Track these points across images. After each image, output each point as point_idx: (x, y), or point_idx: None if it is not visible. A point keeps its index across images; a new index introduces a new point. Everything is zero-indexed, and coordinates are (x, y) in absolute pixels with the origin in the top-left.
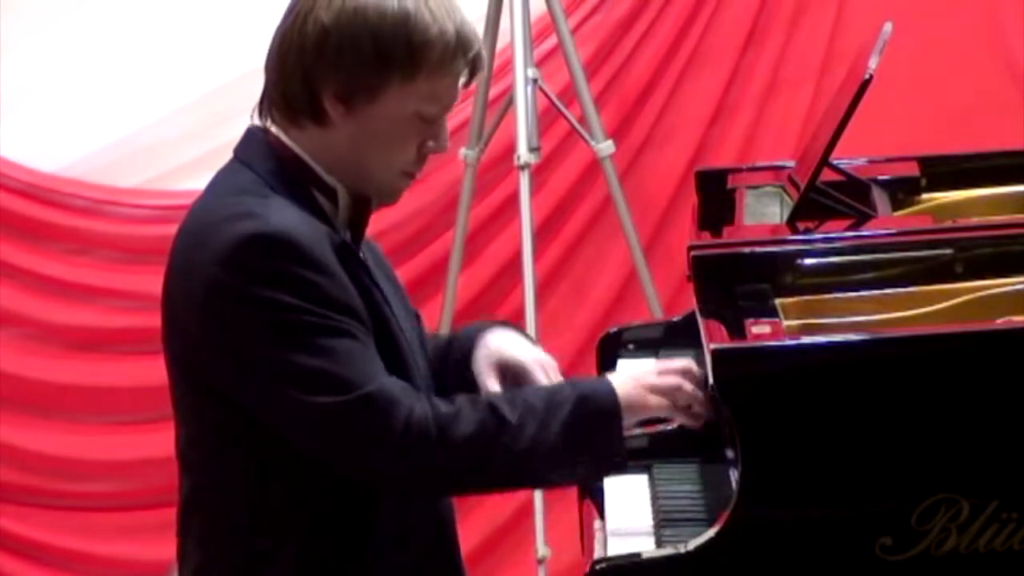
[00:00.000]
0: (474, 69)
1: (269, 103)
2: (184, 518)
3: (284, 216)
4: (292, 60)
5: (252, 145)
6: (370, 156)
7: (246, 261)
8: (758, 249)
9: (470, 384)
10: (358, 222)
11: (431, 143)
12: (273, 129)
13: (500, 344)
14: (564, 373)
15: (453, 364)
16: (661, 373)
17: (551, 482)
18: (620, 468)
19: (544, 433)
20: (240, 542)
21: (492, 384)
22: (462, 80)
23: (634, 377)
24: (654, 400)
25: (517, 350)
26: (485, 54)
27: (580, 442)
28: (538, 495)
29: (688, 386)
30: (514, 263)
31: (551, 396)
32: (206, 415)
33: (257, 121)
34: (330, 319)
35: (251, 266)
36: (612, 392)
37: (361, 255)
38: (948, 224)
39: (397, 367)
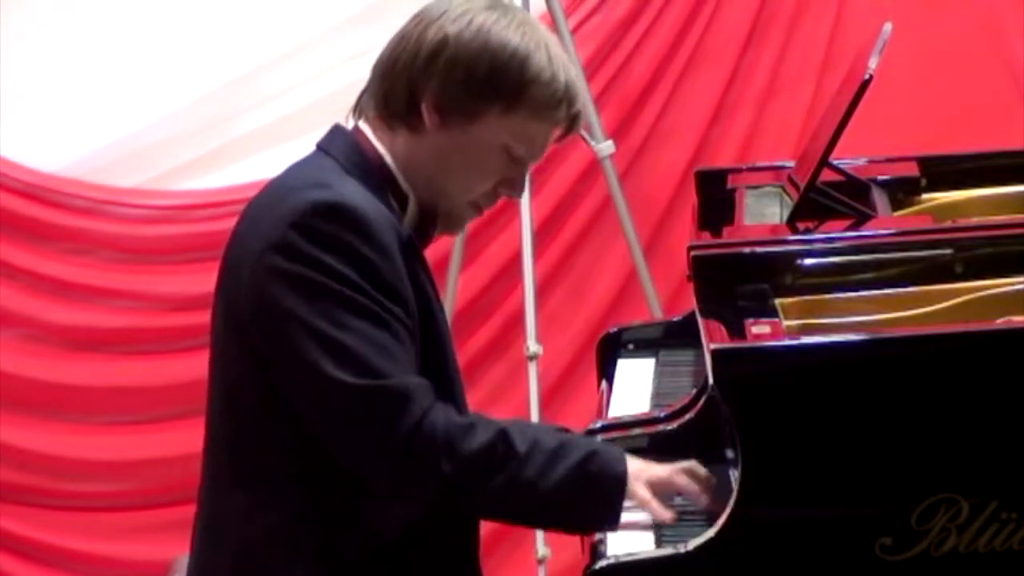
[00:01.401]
0: (572, 125)
1: (368, 100)
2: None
3: (357, 193)
4: (404, 61)
5: (337, 138)
6: (449, 174)
7: (313, 224)
8: (758, 249)
9: None
10: (420, 236)
11: (506, 188)
12: (363, 127)
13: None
14: (564, 374)
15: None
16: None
17: (538, 522)
18: (612, 527)
19: (547, 474)
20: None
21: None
22: (557, 133)
23: (639, 467)
24: (643, 491)
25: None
26: (582, 118)
27: (578, 493)
28: None
29: (682, 479)
30: (514, 263)
31: (563, 443)
32: (241, 380)
33: (349, 120)
34: (377, 302)
35: (316, 229)
36: (622, 459)
37: (424, 257)
38: (948, 224)
39: (437, 369)
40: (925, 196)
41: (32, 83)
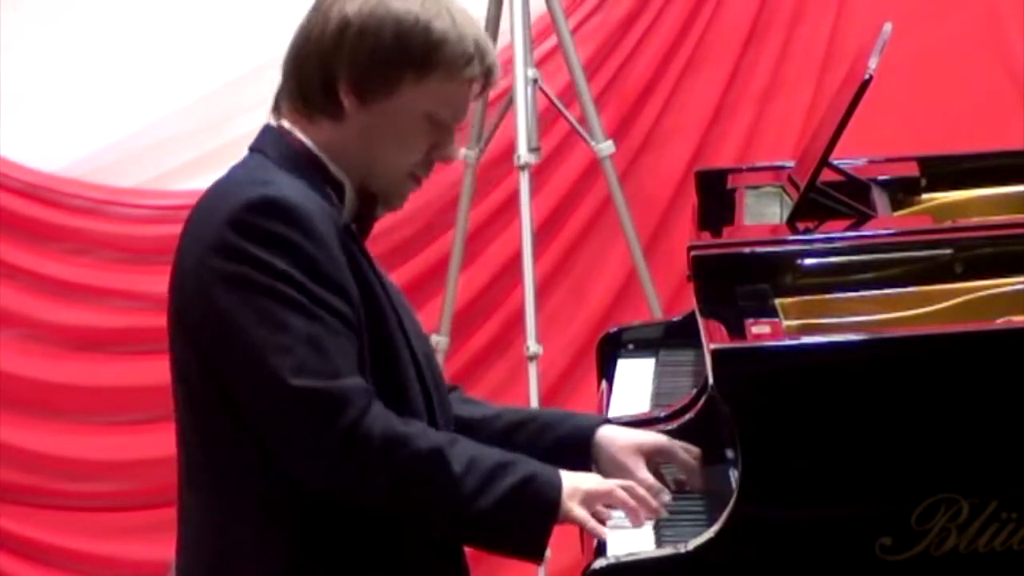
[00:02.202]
0: (487, 81)
1: (284, 98)
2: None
3: (291, 187)
4: (311, 50)
5: (265, 137)
6: (379, 152)
7: (248, 220)
8: (758, 249)
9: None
10: (363, 222)
11: (439, 151)
12: (286, 125)
13: (626, 434)
14: (564, 374)
15: (552, 441)
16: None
17: (467, 540)
18: (532, 557)
19: (478, 494)
20: (238, 522)
21: (645, 473)
22: (475, 89)
23: (576, 485)
24: (578, 511)
25: (647, 435)
26: (498, 71)
27: (507, 518)
28: None
29: (619, 493)
30: (514, 263)
31: (500, 464)
32: (197, 383)
33: (272, 119)
34: (316, 298)
35: (252, 225)
36: (558, 486)
37: (365, 247)
38: (948, 224)
39: (385, 356)
40: (925, 196)
41: (32, 83)
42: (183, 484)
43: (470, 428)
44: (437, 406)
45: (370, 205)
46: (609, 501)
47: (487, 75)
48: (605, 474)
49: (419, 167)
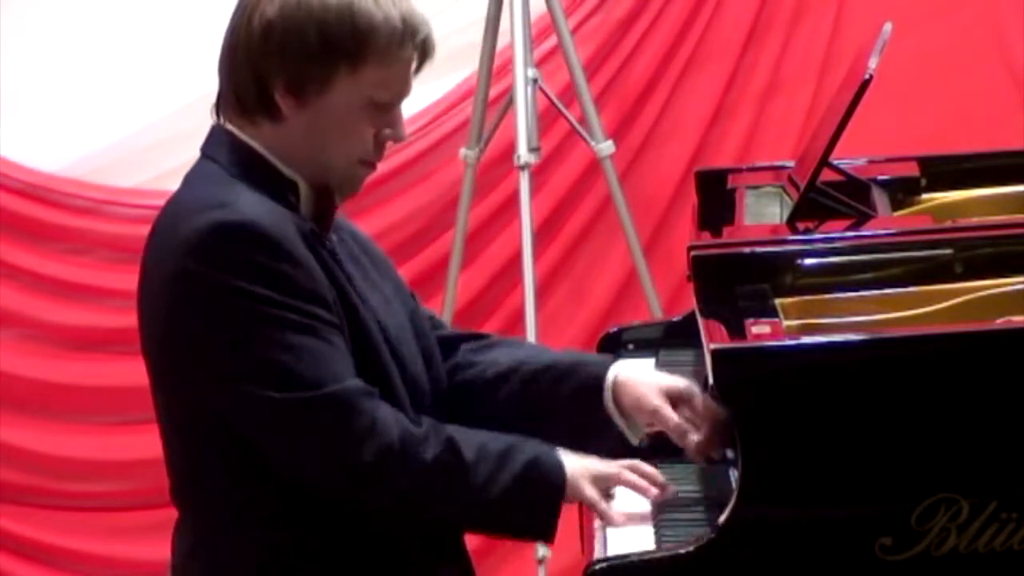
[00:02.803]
0: (424, 54)
1: (223, 102)
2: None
3: (252, 204)
4: (241, 56)
5: (214, 141)
6: (326, 147)
7: (214, 249)
8: (758, 249)
9: (585, 415)
10: (323, 214)
11: (387, 131)
12: (229, 127)
13: (647, 375)
14: None
15: (568, 391)
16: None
17: (479, 528)
18: (545, 539)
19: (491, 482)
20: (230, 534)
21: (672, 414)
22: (413, 66)
23: (583, 464)
24: (591, 492)
25: (668, 378)
26: (434, 40)
27: (518, 502)
28: None
29: (626, 475)
30: (514, 263)
31: (508, 447)
32: (178, 415)
33: (216, 119)
34: (297, 311)
35: (219, 254)
36: (562, 467)
37: (328, 244)
38: (948, 224)
39: (365, 356)
40: (925, 196)
41: (32, 83)
42: (172, 498)
43: (484, 390)
44: (425, 385)
45: (327, 197)
46: (618, 483)
47: (423, 50)
48: (629, 418)
49: (369, 153)
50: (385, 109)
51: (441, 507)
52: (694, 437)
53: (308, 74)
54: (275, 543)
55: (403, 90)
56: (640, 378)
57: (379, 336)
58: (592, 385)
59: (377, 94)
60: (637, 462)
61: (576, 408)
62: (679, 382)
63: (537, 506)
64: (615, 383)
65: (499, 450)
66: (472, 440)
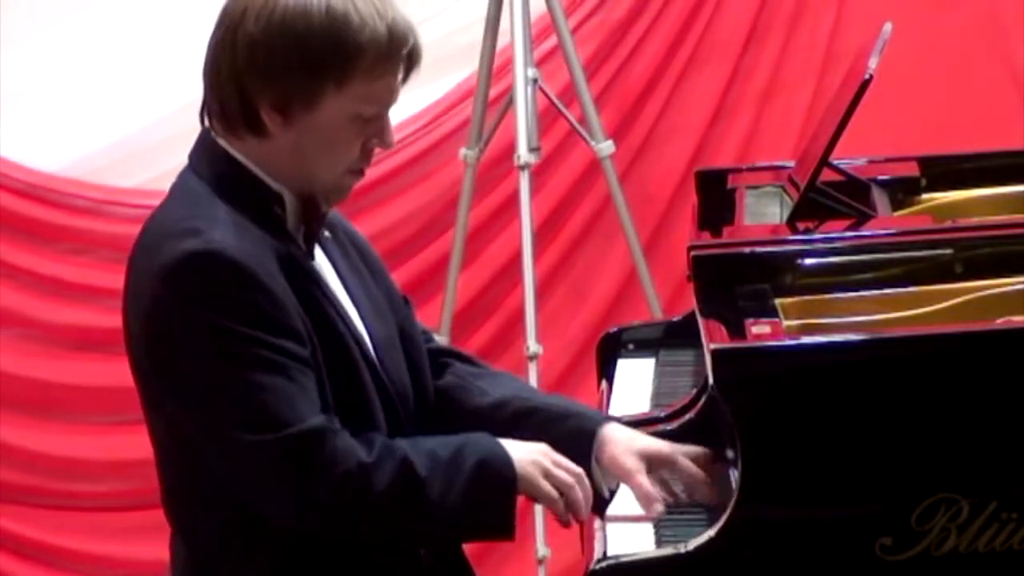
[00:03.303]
0: (411, 64)
1: (209, 113)
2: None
3: (227, 234)
4: (225, 72)
5: (201, 151)
6: (313, 162)
7: (186, 280)
8: (758, 249)
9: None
10: (309, 223)
11: (375, 140)
12: (216, 138)
13: (630, 436)
14: (564, 374)
15: (561, 433)
16: (558, 465)
17: (446, 537)
18: (504, 536)
19: (447, 493)
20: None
21: (643, 479)
22: (400, 77)
23: (532, 459)
24: (545, 487)
25: (651, 441)
26: (421, 48)
27: (475, 505)
28: None
29: (578, 494)
30: (514, 263)
31: (455, 451)
32: (160, 431)
33: (203, 125)
34: (265, 345)
35: (190, 285)
36: (510, 462)
37: (314, 262)
38: (948, 224)
39: (341, 373)
40: (925, 196)
41: (32, 83)
42: (165, 513)
43: (472, 419)
44: (410, 394)
45: (314, 206)
46: (567, 493)
47: (409, 60)
48: (604, 472)
49: (357, 162)
50: (372, 121)
51: (406, 528)
52: (659, 507)
53: (294, 93)
54: (264, 565)
55: (390, 100)
56: (622, 437)
57: (357, 352)
58: (584, 438)
59: (364, 108)
60: (581, 473)
61: (561, 449)
62: (660, 446)
63: (493, 505)
64: (600, 437)
65: (448, 456)
66: (422, 451)
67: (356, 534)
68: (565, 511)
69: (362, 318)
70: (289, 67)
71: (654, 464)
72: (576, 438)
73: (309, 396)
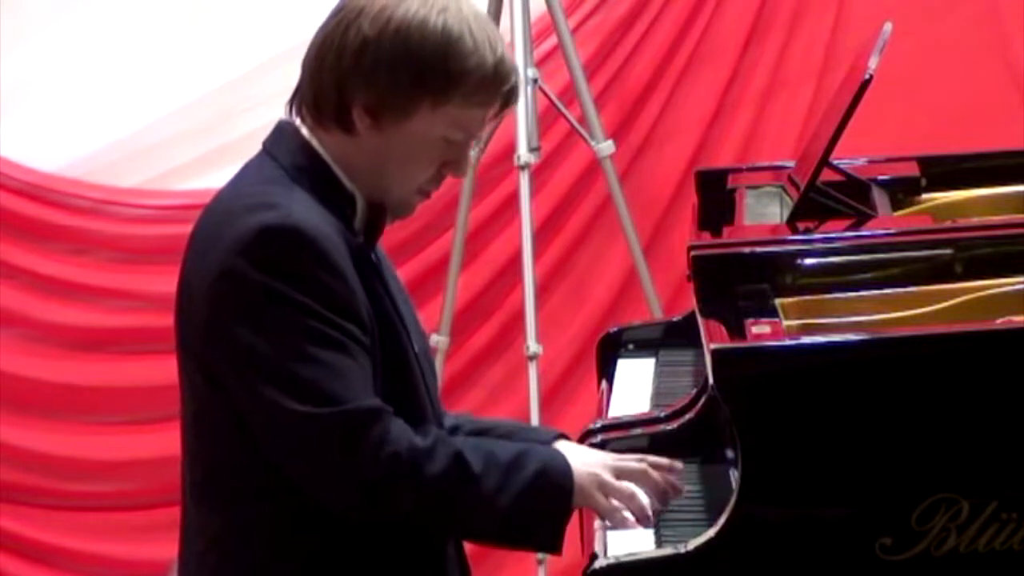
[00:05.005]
0: (507, 103)
1: (300, 100)
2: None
3: (306, 211)
4: (328, 64)
5: (280, 139)
6: (390, 171)
7: (262, 250)
8: (758, 249)
9: None
10: (372, 229)
11: (450, 167)
12: (300, 127)
13: (576, 451)
14: (564, 374)
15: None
16: (618, 473)
17: (488, 538)
18: (552, 550)
19: (500, 494)
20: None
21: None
22: (493, 112)
23: (590, 471)
24: (601, 501)
25: (597, 454)
26: (519, 90)
27: (528, 513)
28: None
29: (642, 497)
30: (514, 263)
31: (517, 455)
32: (208, 404)
33: (286, 115)
34: (331, 324)
35: (266, 256)
36: (569, 474)
37: (374, 258)
38: (948, 224)
39: (399, 376)
40: (925, 196)
41: (32, 83)
42: (186, 499)
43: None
44: (437, 407)
45: (379, 213)
46: (641, 479)
47: (506, 98)
48: None
49: (429, 182)
50: (455, 146)
51: (450, 520)
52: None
53: (391, 101)
54: (283, 563)
55: (477, 132)
56: (571, 451)
57: (411, 351)
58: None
59: (452, 132)
60: (645, 468)
61: None
62: (604, 456)
63: (546, 516)
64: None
65: (507, 459)
66: (480, 450)
67: (397, 520)
68: (622, 520)
69: (406, 328)
70: (393, 74)
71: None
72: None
73: (366, 379)
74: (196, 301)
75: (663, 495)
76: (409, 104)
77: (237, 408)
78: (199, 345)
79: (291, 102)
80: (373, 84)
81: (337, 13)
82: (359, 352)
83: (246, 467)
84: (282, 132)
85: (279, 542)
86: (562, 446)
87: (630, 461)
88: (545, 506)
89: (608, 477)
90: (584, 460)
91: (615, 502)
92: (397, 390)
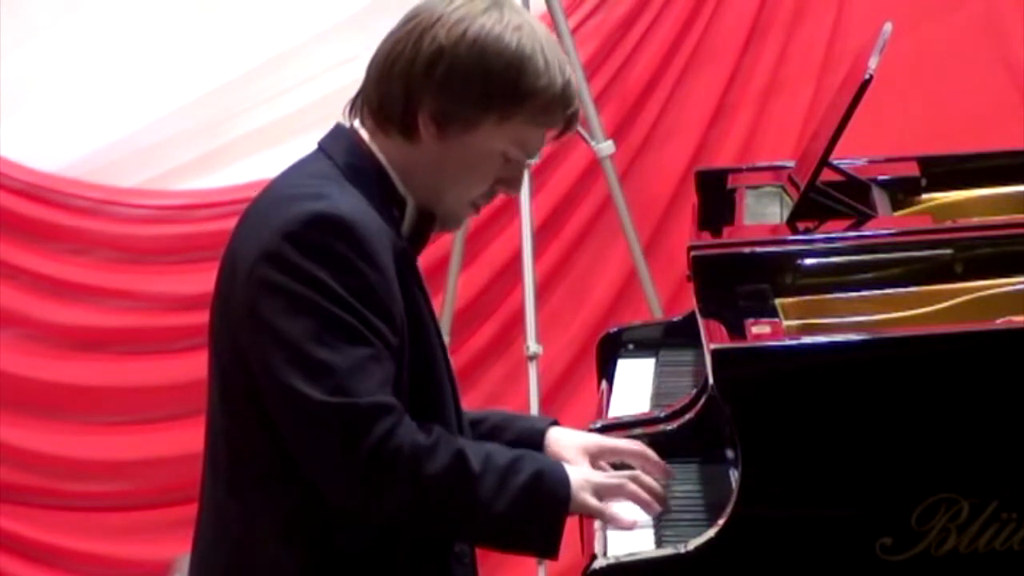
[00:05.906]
0: (568, 126)
1: (363, 104)
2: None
3: (354, 204)
4: (399, 70)
5: (337, 140)
6: (447, 181)
7: (306, 236)
8: (758, 249)
9: None
10: (419, 236)
11: (504, 184)
12: (360, 130)
13: (572, 434)
14: (564, 374)
15: (511, 437)
16: (598, 491)
17: (481, 541)
18: (548, 555)
19: (497, 496)
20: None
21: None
22: (553, 133)
23: (584, 477)
24: (593, 503)
25: (592, 436)
26: (579, 116)
27: (523, 517)
28: None
29: (631, 487)
30: (514, 263)
31: (514, 459)
32: (233, 384)
33: (346, 119)
34: (362, 319)
35: (310, 242)
36: (566, 481)
37: (416, 263)
38: (948, 224)
39: (426, 380)
40: (925, 196)
41: (32, 83)
42: (207, 481)
43: None
44: (459, 407)
45: (428, 222)
46: (620, 494)
47: (568, 122)
48: None
49: (482, 197)
50: (513, 164)
51: (446, 518)
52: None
53: (458, 112)
54: (297, 553)
55: (535, 152)
56: (567, 435)
57: (441, 358)
58: (532, 439)
59: (512, 150)
60: (639, 474)
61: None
62: (600, 439)
63: (542, 519)
64: (548, 437)
65: (505, 462)
66: (481, 451)
67: (396, 517)
68: (617, 521)
69: (438, 332)
70: (465, 85)
71: (595, 456)
72: (527, 439)
73: (385, 379)
74: (237, 279)
75: (647, 505)
76: (476, 117)
77: (258, 388)
78: (234, 322)
79: (351, 105)
80: (443, 93)
81: (410, 20)
82: (383, 352)
83: (264, 452)
84: (340, 133)
85: (291, 531)
86: (556, 431)
87: (611, 478)
88: (541, 510)
89: (599, 479)
90: (577, 471)
91: (601, 504)
92: (425, 391)
